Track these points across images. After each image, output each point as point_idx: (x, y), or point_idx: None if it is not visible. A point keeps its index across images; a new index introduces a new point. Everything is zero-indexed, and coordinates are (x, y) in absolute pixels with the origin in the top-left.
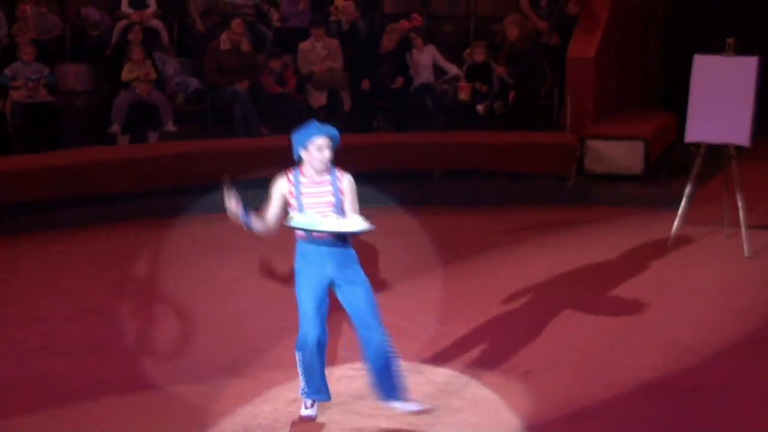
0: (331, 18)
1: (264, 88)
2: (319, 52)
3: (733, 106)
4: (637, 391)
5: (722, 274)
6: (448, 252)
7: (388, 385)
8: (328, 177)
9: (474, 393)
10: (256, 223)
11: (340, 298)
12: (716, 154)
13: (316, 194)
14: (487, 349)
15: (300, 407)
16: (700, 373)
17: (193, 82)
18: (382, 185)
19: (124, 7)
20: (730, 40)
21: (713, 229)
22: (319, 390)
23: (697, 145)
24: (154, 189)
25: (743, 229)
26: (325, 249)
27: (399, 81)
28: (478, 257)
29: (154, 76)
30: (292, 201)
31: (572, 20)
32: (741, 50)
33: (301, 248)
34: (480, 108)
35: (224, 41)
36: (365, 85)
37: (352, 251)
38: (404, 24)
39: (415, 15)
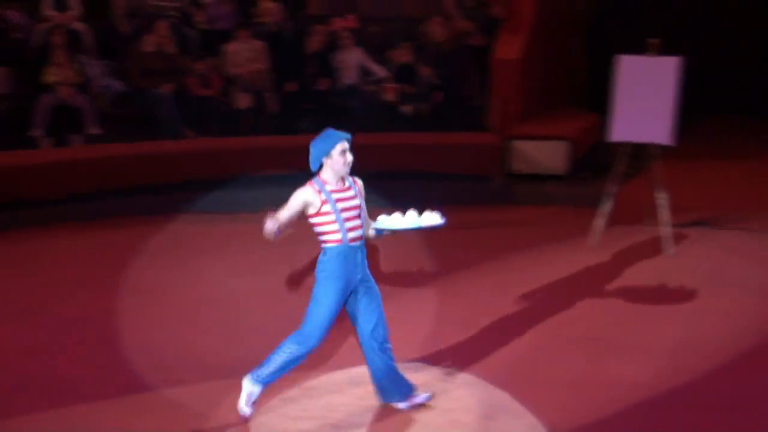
0: (257, 20)
1: (189, 90)
2: (245, 54)
3: (655, 106)
4: (561, 388)
5: (644, 272)
6: (374, 251)
7: (391, 390)
8: (348, 182)
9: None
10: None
11: (355, 305)
12: (639, 153)
13: (346, 199)
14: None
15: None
16: (623, 370)
17: (118, 85)
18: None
19: (47, 9)
20: (652, 41)
21: (636, 227)
22: (267, 384)
23: (620, 145)
24: (78, 193)
25: (665, 228)
26: (359, 255)
27: (324, 82)
28: (401, 259)
29: (77, 78)
30: (327, 208)
31: (497, 22)
32: (663, 51)
33: (335, 254)
34: (406, 109)
35: (149, 43)
36: (291, 86)
37: None
38: (338, 23)
39: (349, 15)
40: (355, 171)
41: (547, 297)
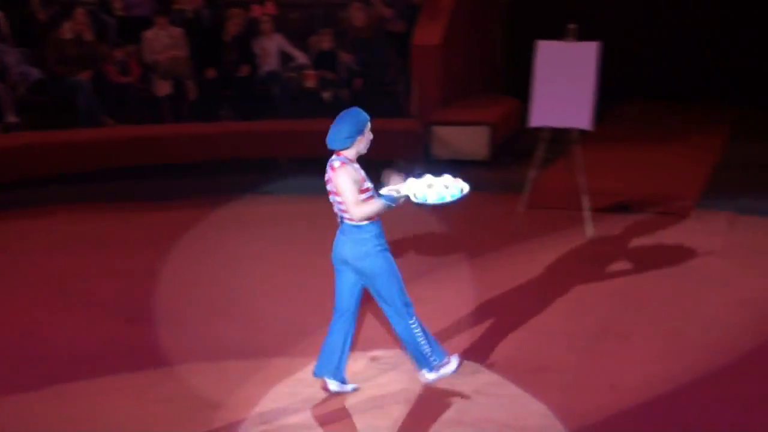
0: (175, 6)
1: (107, 77)
2: (163, 41)
3: (574, 91)
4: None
5: (565, 256)
6: (298, 238)
7: (417, 357)
8: None
9: None
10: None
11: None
12: (560, 138)
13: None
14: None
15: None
16: (548, 355)
17: (35, 73)
18: (228, 174)
19: None
20: (571, 26)
21: (557, 211)
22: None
23: (540, 130)
24: None
25: (585, 212)
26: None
27: (245, 69)
28: (324, 244)
29: None
30: (366, 185)
31: (417, 7)
32: (582, 36)
33: (377, 231)
34: (326, 95)
35: (66, 31)
36: (210, 73)
37: None
38: (256, 10)
39: (268, 2)
40: (277, 158)
41: (470, 281)
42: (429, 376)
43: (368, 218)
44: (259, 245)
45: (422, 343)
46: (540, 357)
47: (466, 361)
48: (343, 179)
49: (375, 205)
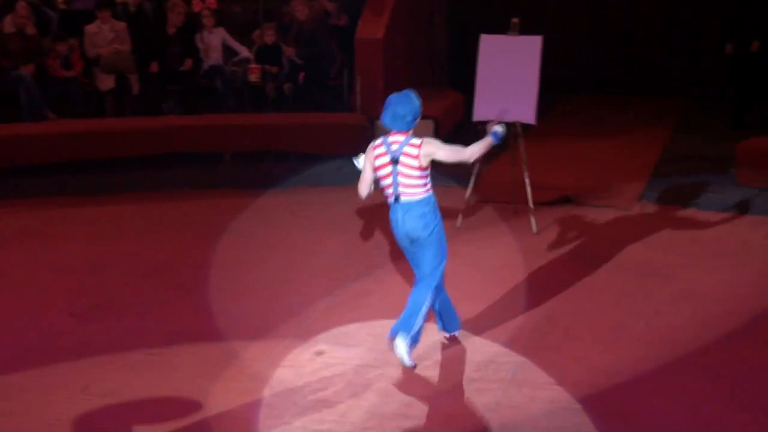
0: (118, 0)
1: (50, 71)
2: (106, 35)
3: (518, 85)
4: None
5: (511, 250)
6: (241, 233)
7: (406, 323)
8: None
9: None
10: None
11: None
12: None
13: None
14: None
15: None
16: (492, 347)
17: None
18: (173, 169)
19: None
20: (515, 20)
21: (502, 206)
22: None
23: (484, 124)
24: None
25: (530, 206)
26: None
27: (188, 63)
28: (269, 239)
29: None
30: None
31: (360, 1)
32: (525, 29)
33: (434, 202)
34: (270, 89)
35: (8, 24)
36: (154, 67)
37: None
38: (197, 4)
39: None
40: (220, 152)
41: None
42: (399, 343)
43: (428, 189)
44: (200, 241)
45: (421, 317)
46: (483, 352)
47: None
48: (436, 144)
49: (483, 143)
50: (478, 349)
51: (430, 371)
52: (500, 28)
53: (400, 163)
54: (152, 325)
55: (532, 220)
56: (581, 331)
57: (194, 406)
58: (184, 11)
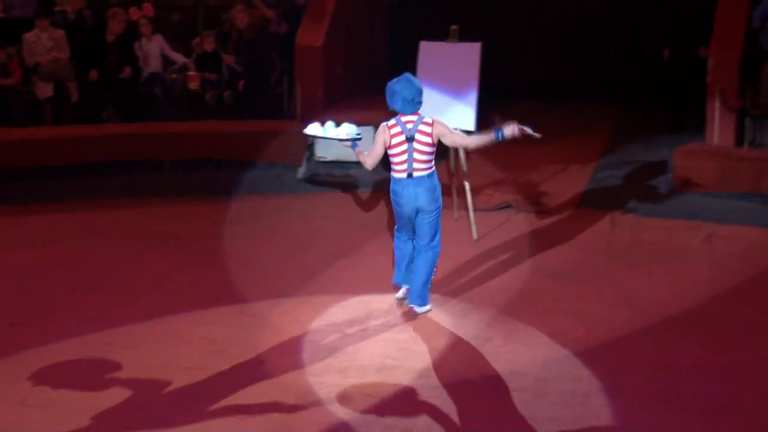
0: (56, 8)
1: None
2: (45, 43)
3: (458, 92)
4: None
5: (452, 258)
6: (179, 241)
7: (421, 290)
8: None
9: None
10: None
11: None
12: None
13: None
14: None
15: None
16: (433, 357)
17: None
18: (112, 177)
19: None
20: (453, 27)
21: (443, 211)
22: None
23: None
24: None
25: (471, 213)
26: None
27: (127, 71)
28: (209, 247)
29: None
30: None
31: (300, 9)
32: (464, 37)
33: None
34: (209, 97)
35: None
36: (93, 75)
37: None
38: (134, 12)
39: (146, 4)
40: (159, 160)
41: (355, 283)
42: (420, 309)
43: (434, 164)
44: (140, 249)
45: (430, 279)
46: (424, 359)
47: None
48: (446, 126)
49: (485, 137)
50: (421, 356)
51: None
52: (440, 35)
53: (415, 141)
54: (94, 334)
55: (473, 226)
56: (521, 336)
57: (137, 417)
58: (124, 19)
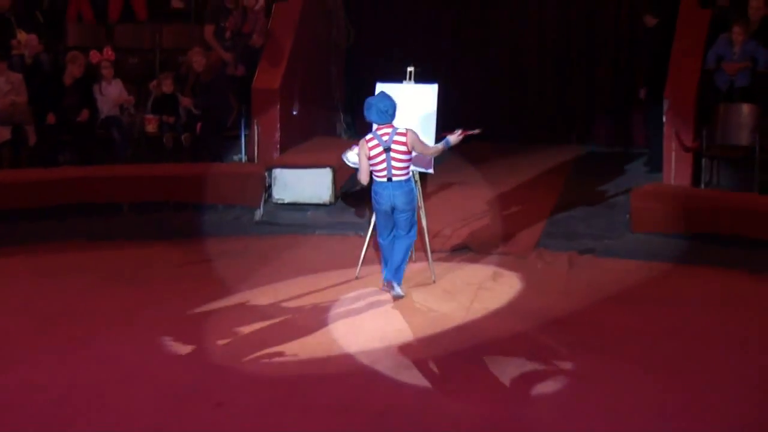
0: (14, 52)
1: None
2: (2, 87)
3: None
4: (331, 414)
5: (408, 298)
6: (139, 284)
7: (397, 273)
8: None
9: None
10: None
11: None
12: None
13: None
14: None
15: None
16: (392, 396)
17: None
18: (70, 220)
19: None
20: (410, 69)
21: None
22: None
23: None
24: None
25: (429, 254)
26: None
27: (85, 114)
28: (168, 290)
29: None
30: None
31: (257, 51)
32: (420, 78)
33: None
34: (167, 139)
35: None
36: (50, 119)
37: None
38: (95, 56)
39: (107, 48)
40: (118, 203)
41: (312, 325)
42: (396, 288)
43: (411, 170)
44: (95, 292)
45: (406, 260)
46: (386, 396)
47: None
48: (417, 136)
49: (439, 146)
50: (381, 394)
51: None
52: (397, 76)
53: (392, 150)
54: (45, 378)
55: (431, 267)
56: (481, 374)
57: None
58: (83, 63)
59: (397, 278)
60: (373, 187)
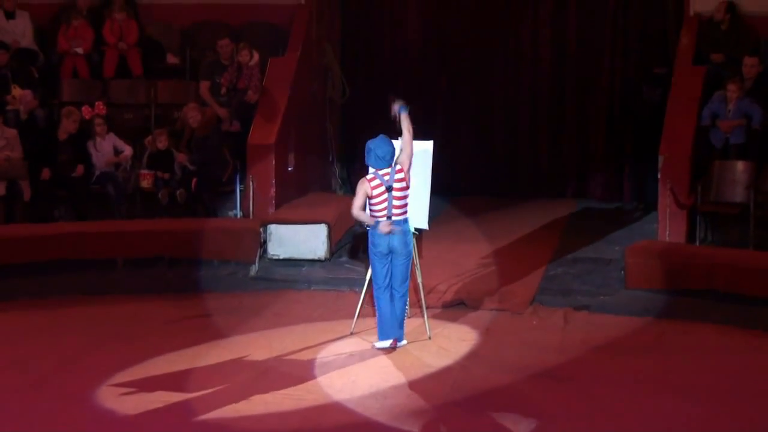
0: (9, 107)
1: None
2: None
3: (411, 189)
4: None
5: (404, 353)
6: (132, 340)
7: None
8: None
9: None
10: None
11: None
12: None
13: None
14: None
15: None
16: None
17: None
18: (64, 275)
19: None
20: None
21: None
22: None
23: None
24: None
25: (424, 310)
26: None
27: (80, 169)
28: (163, 346)
29: None
30: None
31: (252, 107)
32: (416, 135)
33: None
34: (162, 195)
35: None
36: (45, 174)
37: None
38: (87, 111)
39: (98, 102)
40: (112, 258)
41: (309, 382)
42: (402, 342)
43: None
44: (89, 349)
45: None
46: None
47: None
48: (403, 161)
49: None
50: None
51: None
52: (392, 132)
53: (394, 189)
54: None
55: (426, 323)
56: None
57: None
58: (78, 118)
59: (401, 334)
60: (370, 231)
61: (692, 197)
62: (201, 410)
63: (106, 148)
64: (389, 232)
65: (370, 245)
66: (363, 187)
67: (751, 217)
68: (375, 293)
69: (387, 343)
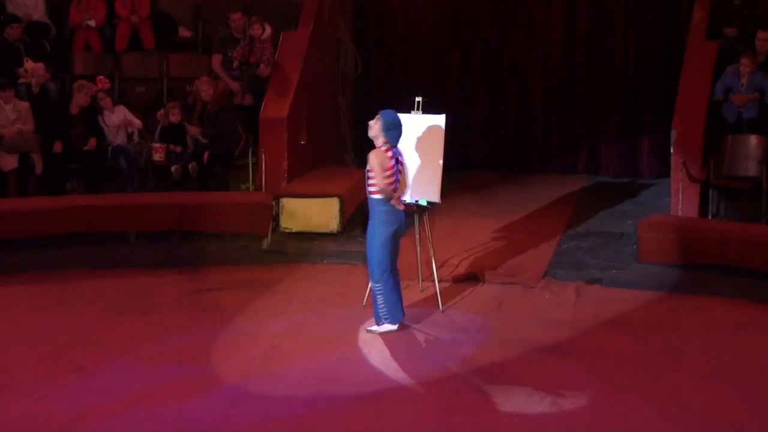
0: (21, 80)
1: None
2: (9, 115)
3: (423, 164)
4: None
5: (419, 328)
6: (146, 313)
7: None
8: None
9: None
10: None
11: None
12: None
13: None
14: None
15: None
16: (401, 423)
17: None
18: (77, 249)
19: None
20: (418, 99)
21: (408, 283)
22: None
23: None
24: None
25: (437, 283)
26: None
27: (92, 142)
28: (175, 319)
29: None
30: None
31: (264, 81)
32: (428, 108)
33: None
34: (174, 169)
35: None
36: (57, 147)
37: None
38: (92, 86)
39: (100, 77)
40: (125, 232)
41: (323, 355)
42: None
43: None
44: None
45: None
46: (394, 424)
47: None
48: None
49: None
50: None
51: None
52: (405, 106)
53: (399, 163)
54: (51, 409)
55: (438, 297)
56: (489, 403)
57: None
58: (90, 92)
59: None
60: (382, 210)
61: (705, 171)
62: (214, 383)
63: (117, 122)
64: (402, 209)
65: (382, 225)
66: (382, 157)
67: (763, 191)
68: (379, 278)
69: (395, 327)
